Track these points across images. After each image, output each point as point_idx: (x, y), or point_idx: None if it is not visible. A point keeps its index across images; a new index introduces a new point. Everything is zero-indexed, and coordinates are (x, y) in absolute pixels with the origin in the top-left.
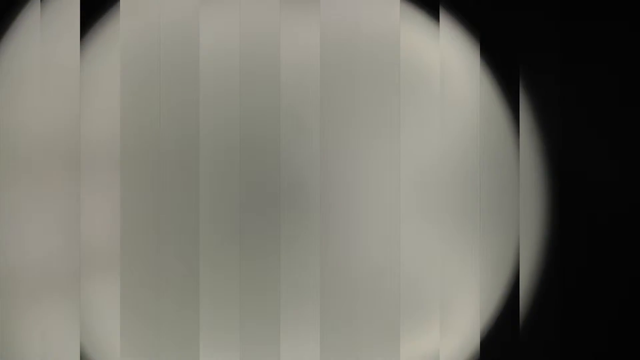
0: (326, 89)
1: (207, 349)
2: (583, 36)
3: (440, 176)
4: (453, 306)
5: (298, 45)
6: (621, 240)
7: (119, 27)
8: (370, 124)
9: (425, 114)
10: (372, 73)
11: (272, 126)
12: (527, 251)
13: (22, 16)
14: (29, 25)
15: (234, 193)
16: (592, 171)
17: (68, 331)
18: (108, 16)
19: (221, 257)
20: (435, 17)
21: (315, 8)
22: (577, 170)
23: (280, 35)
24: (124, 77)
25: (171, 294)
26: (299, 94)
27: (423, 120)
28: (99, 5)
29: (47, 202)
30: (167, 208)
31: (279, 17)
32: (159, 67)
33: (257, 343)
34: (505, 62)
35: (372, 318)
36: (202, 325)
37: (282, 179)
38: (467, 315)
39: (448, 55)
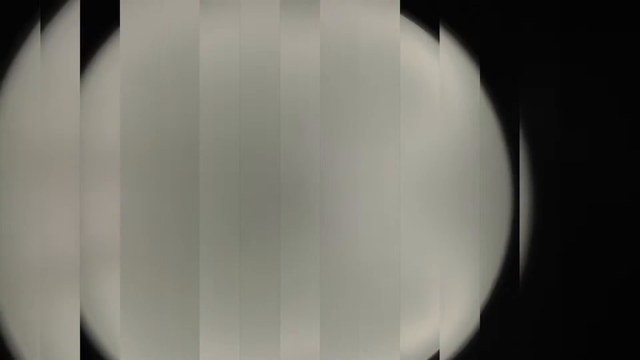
0: (325, 93)
1: (207, 346)
2: (582, 49)
3: (437, 175)
4: (451, 295)
5: (298, 56)
6: (614, 228)
7: (119, 40)
8: (369, 128)
9: (424, 116)
10: (371, 82)
11: (272, 131)
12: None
13: (23, 41)
14: (30, 48)
15: (234, 193)
16: (590, 171)
17: (68, 331)
18: (109, 32)
19: (221, 257)
20: (435, 29)
21: (315, 17)
22: (569, 180)
23: (280, 45)
24: (124, 86)
25: (171, 293)
26: (299, 96)
27: (421, 124)
28: (100, 19)
29: (50, 202)
30: (167, 208)
31: (279, 27)
32: (159, 65)
33: (258, 340)
34: (502, 72)
35: (372, 315)
36: (202, 322)
37: (282, 179)
38: (465, 303)
39: (446, 62)
